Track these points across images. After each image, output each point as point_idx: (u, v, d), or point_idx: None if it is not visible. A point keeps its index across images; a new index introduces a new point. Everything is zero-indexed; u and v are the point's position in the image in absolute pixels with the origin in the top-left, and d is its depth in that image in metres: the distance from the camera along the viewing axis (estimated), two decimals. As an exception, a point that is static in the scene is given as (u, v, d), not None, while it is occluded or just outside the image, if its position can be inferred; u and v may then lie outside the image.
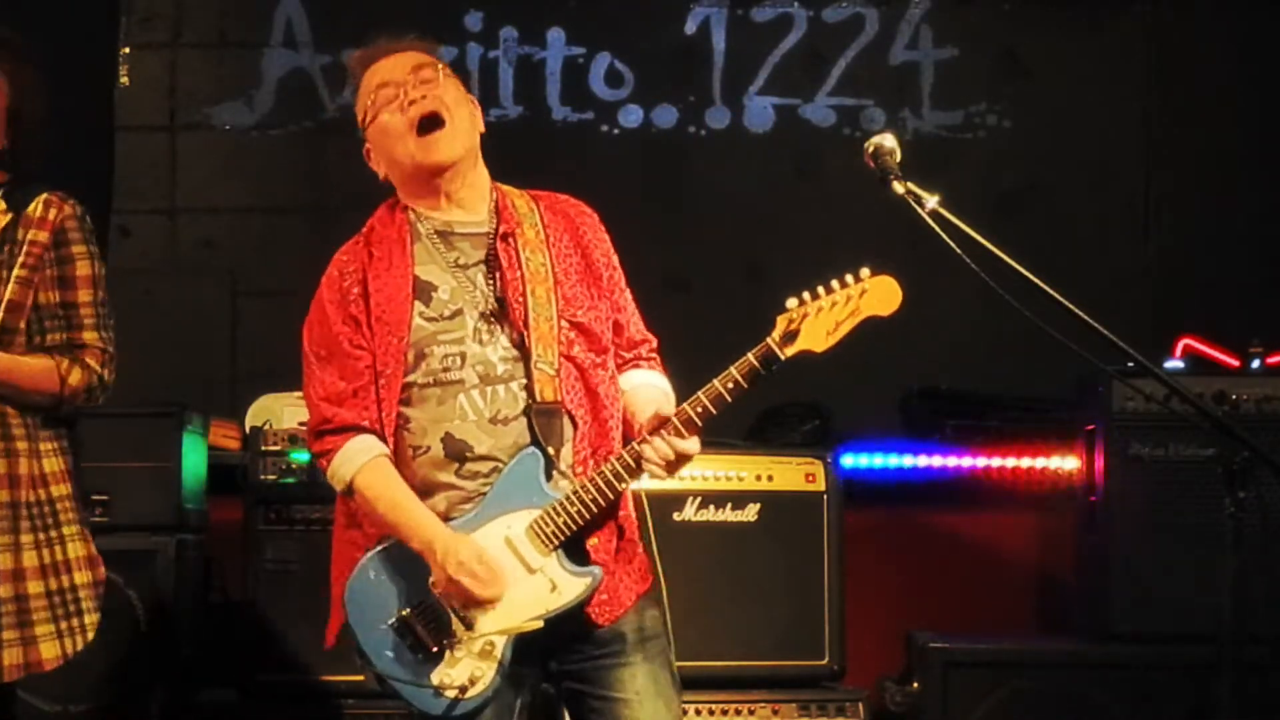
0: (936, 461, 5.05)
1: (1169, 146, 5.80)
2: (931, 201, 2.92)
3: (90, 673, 4.28)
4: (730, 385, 2.92)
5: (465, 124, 3.11)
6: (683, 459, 2.96)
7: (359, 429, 3.00)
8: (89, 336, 3.27)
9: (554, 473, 2.97)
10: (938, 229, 2.89)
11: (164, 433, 4.44)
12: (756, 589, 4.37)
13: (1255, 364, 4.65)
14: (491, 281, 3.05)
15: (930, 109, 5.85)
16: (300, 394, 4.90)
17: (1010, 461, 5.04)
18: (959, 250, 2.87)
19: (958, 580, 5.13)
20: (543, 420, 2.97)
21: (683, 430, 2.93)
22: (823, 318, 2.98)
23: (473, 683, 2.92)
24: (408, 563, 2.95)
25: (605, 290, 3.13)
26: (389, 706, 4.31)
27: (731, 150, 5.84)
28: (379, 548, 2.98)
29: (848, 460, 4.78)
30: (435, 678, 2.92)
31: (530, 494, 2.94)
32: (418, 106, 3.09)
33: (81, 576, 3.23)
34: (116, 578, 4.31)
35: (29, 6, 5.47)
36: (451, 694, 2.92)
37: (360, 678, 4.30)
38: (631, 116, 5.83)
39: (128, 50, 5.83)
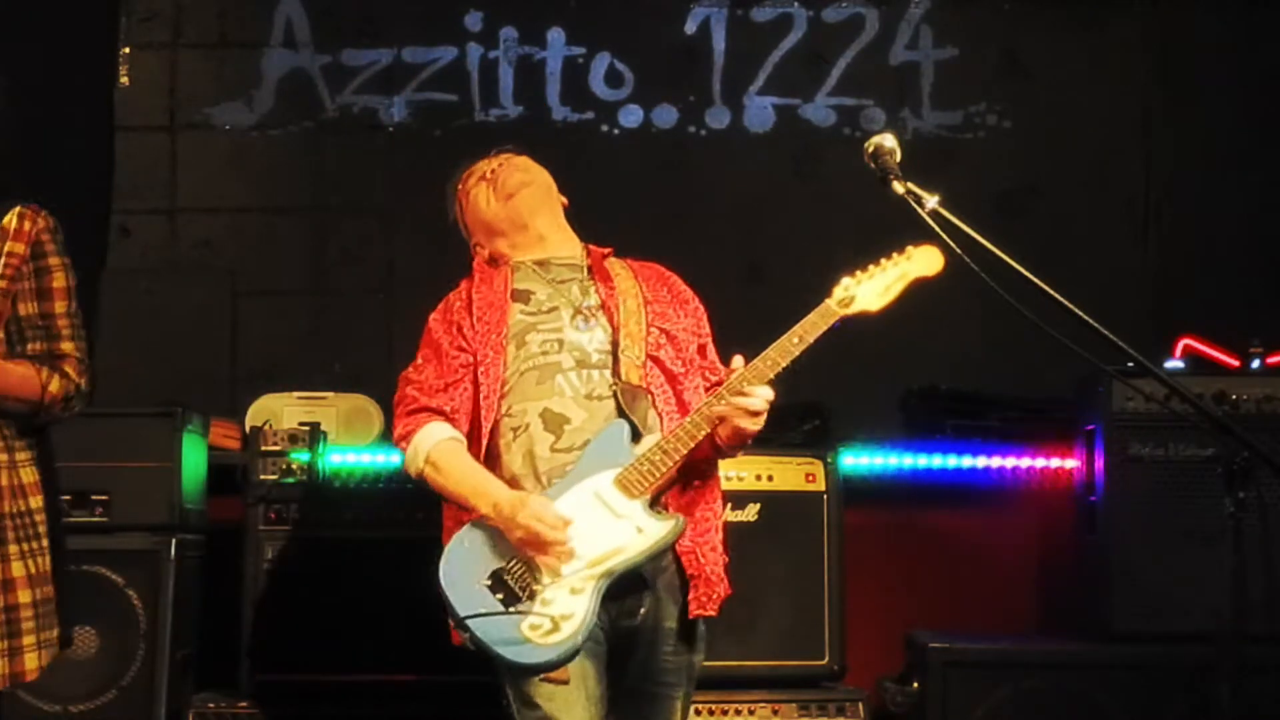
0: (936, 461, 5.04)
1: (1169, 147, 5.79)
2: (931, 201, 2.92)
3: (90, 673, 4.29)
4: (795, 340, 3.19)
5: (543, 176, 3.51)
6: (760, 406, 3.16)
7: (438, 413, 3.23)
8: (67, 346, 3.27)
9: (639, 440, 3.17)
10: (938, 229, 2.90)
11: (164, 433, 4.44)
12: (756, 589, 4.37)
13: (1255, 364, 4.65)
14: (585, 293, 3.34)
15: (930, 109, 5.84)
16: (299, 394, 4.98)
17: (1010, 461, 5.04)
18: (959, 250, 2.88)
19: (958, 580, 5.13)
20: (628, 398, 3.19)
21: (752, 379, 3.14)
22: (875, 281, 3.28)
23: (564, 619, 3.03)
24: (498, 531, 3.12)
25: (691, 313, 3.44)
26: (388, 707, 4.33)
27: (731, 150, 5.83)
28: (470, 522, 3.17)
29: (848, 460, 4.78)
30: (526, 622, 3.04)
31: (617, 455, 3.14)
32: (500, 171, 3.47)
33: (51, 590, 3.23)
34: (117, 578, 4.32)
35: (29, 6, 5.48)
36: (542, 634, 3.03)
37: (359, 678, 4.35)
38: (631, 116, 5.83)
39: (128, 50, 5.82)
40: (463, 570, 3.11)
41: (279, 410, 4.90)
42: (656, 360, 3.27)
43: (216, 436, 4.89)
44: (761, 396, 3.15)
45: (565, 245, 3.45)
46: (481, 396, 3.22)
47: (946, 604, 5.04)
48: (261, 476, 4.50)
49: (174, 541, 4.39)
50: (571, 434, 3.16)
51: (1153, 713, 4.35)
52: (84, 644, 4.31)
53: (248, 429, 4.75)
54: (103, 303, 5.52)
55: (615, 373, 3.21)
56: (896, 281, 3.28)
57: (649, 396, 3.21)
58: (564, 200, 3.52)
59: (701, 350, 3.42)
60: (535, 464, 3.17)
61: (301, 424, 4.67)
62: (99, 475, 4.36)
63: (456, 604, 3.07)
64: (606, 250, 3.46)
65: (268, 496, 4.45)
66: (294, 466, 4.52)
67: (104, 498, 4.36)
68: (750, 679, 4.37)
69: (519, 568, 3.08)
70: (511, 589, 3.07)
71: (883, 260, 3.30)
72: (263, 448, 4.53)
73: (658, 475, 3.11)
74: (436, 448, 3.21)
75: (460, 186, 3.55)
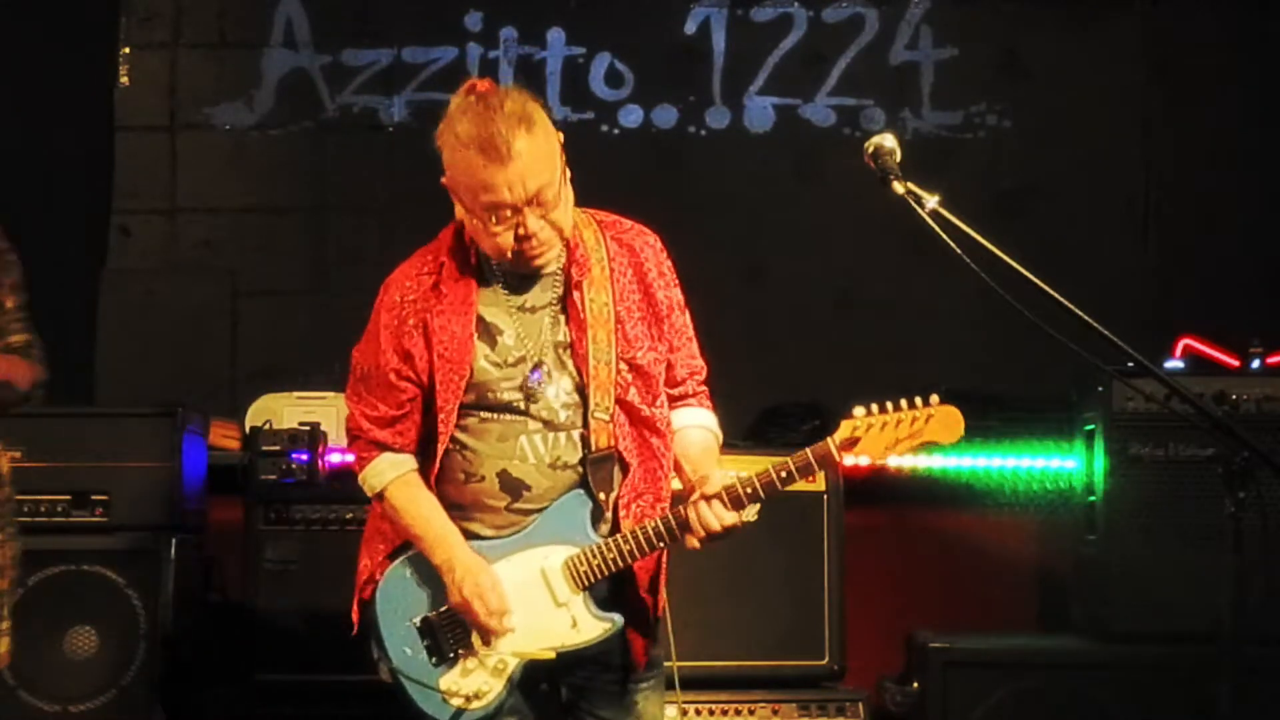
0: (937, 461, 5.04)
1: (1169, 147, 5.80)
2: (931, 201, 2.92)
3: (90, 673, 4.29)
4: (784, 474, 2.98)
5: (564, 227, 2.99)
6: (726, 532, 2.99)
7: (389, 448, 3.08)
8: (31, 337, 3.36)
9: (600, 520, 3.03)
10: (938, 229, 2.89)
11: (164, 433, 4.44)
12: (756, 589, 4.37)
13: (1255, 364, 4.65)
14: (556, 327, 3.04)
15: (930, 109, 5.85)
16: (300, 394, 4.98)
17: (1010, 461, 5.04)
18: (959, 250, 2.87)
19: (958, 580, 5.13)
20: (595, 468, 3.02)
21: (728, 504, 2.96)
22: (886, 433, 2.99)
23: (479, 696, 3.01)
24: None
25: (665, 332, 3.12)
26: (389, 706, 4.33)
27: (731, 150, 5.83)
28: (415, 550, 3.06)
29: (848, 460, 4.76)
30: (444, 683, 3.01)
31: (574, 532, 3.01)
32: (530, 245, 2.93)
33: (7, 581, 3.26)
34: (117, 578, 4.33)
35: (29, 6, 5.49)
36: (457, 702, 3.00)
37: (359, 678, 4.33)
38: (631, 116, 5.83)
39: (128, 50, 5.83)
40: (398, 602, 3.06)
41: (279, 410, 4.89)
42: (624, 404, 3.05)
43: (216, 436, 4.89)
44: (719, 520, 2.96)
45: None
46: (438, 435, 3.02)
47: (946, 604, 5.04)
48: (261, 476, 4.50)
49: (174, 541, 4.39)
50: (531, 499, 3.02)
51: (1153, 713, 4.34)
52: (84, 644, 4.31)
53: (248, 429, 4.75)
54: (103, 303, 5.53)
55: (584, 437, 3.01)
56: (909, 439, 2.99)
57: (614, 456, 3.04)
58: (571, 204, 3.06)
59: (668, 368, 3.16)
60: (483, 516, 3.04)
61: (301, 424, 4.67)
62: (99, 475, 4.37)
63: (386, 638, 3.05)
64: (580, 276, 3.03)
65: (268, 496, 4.45)
66: (294, 466, 4.51)
67: (104, 498, 4.37)
68: (750, 679, 4.37)
69: (451, 621, 3.03)
70: (438, 642, 3.02)
71: (902, 409, 2.98)
72: (263, 448, 4.53)
73: (605, 573, 2.99)
74: (393, 485, 3.07)
75: (477, 186, 2.90)
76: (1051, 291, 2.81)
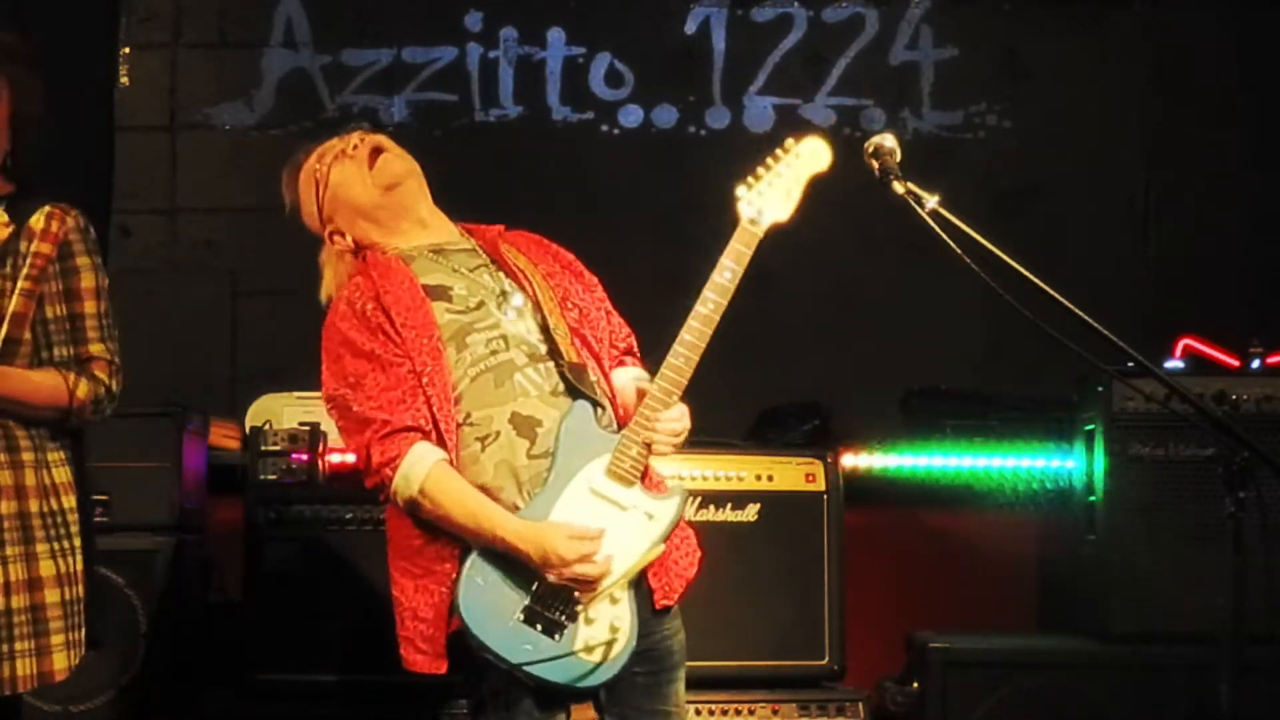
0: (936, 461, 5.04)
1: (1169, 146, 5.80)
2: (931, 201, 2.92)
3: (90, 673, 4.29)
4: (728, 276, 3.27)
5: (415, 163, 3.26)
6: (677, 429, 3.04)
7: (417, 430, 2.98)
8: (95, 349, 3.23)
9: (604, 416, 3.05)
10: (937, 229, 2.89)
11: (164, 433, 4.44)
12: (756, 589, 4.37)
13: (1255, 364, 4.65)
14: (496, 279, 3.14)
15: (930, 109, 5.84)
16: (300, 394, 4.98)
17: (1010, 461, 5.04)
18: (959, 250, 2.87)
19: (958, 580, 5.12)
20: (576, 376, 3.03)
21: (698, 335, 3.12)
22: (775, 190, 3.29)
23: (617, 630, 2.95)
24: (506, 557, 2.95)
25: (588, 285, 3.27)
26: (389, 707, 4.32)
27: (731, 150, 5.83)
28: (472, 556, 2.96)
29: (848, 460, 4.77)
30: (579, 647, 2.94)
31: (594, 442, 3.00)
32: (361, 146, 3.24)
33: (81, 590, 3.23)
34: (117, 578, 4.32)
35: (29, 6, 5.48)
36: (597, 655, 2.94)
37: (359, 678, 4.34)
38: (631, 116, 5.83)
39: (128, 50, 5.83)
40: (491, 611, 2.93)
41: (279, 410, 4.89)
42: (578, 334, 3.12)
43: (216, 436, 4.89)
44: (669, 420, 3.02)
45: (445, 230, 3.24)
46: (435, 408, 2.96)
47: (946, 604, 5.04)
48: (261, 476, 4.50)
49: (174, 541, 4.39)
50: (545, 437, 2.98)
51: (1153, 713, 4.34)
52: (83, 644, 4.31)
53: (248, 429, 4.75)
54: (103, 303, 5.51)
55: (555, 353, 3.04)
56: (794, 185, 3.27)
57: (586, 366, 3.08)
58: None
59: (608, 316, 3.27)
60: (516, 475, 2.98)
61: (301, 424, 4.67)
62: (99, 475, 4.32)
63: (502, 651, 2.92)
64: (497, 228, 3.26)
65: (268, 496, 4.45)
66: (294, 466, 4.51)
67: (104, 498, 4.35)
68: (750, 679, 4.37)
69: (548, 594, 2.94)
70: (550, 618, 2.93)
71: (768, 163, 3.27)
72: (263, 448, 4.53)
73: (645, 456, 3.00)
74: (430, 475, 2.94)
75: (308, 168, 3.34)
76: (1051, 291, 2.82)
